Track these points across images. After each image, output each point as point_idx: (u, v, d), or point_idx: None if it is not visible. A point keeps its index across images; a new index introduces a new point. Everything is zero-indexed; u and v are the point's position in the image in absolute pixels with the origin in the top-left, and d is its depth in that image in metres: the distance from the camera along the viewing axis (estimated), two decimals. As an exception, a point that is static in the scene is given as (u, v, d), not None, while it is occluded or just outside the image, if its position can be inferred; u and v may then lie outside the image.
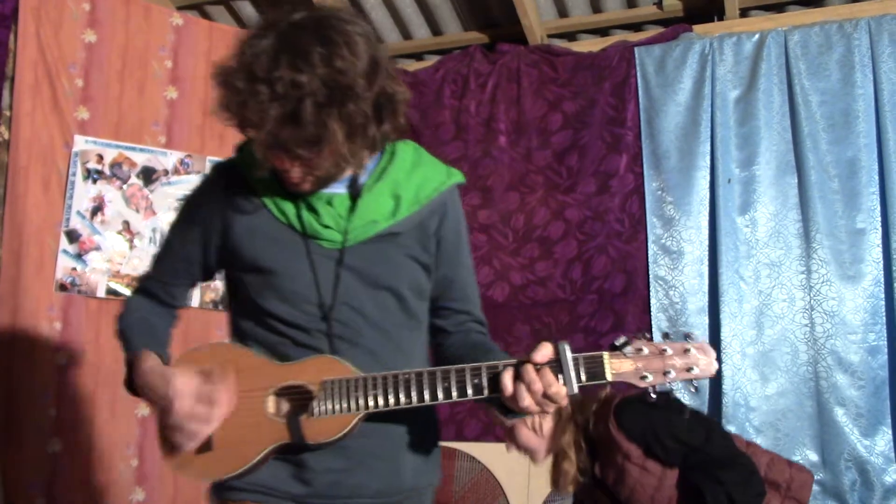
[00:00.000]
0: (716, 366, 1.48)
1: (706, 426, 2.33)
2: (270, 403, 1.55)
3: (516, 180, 4.06)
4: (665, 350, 1.46)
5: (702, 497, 2.18)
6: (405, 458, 1.66)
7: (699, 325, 3.61)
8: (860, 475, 3.34)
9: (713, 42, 3.80)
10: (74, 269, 3.51)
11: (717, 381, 3.49)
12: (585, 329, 3.77)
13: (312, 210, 1.59)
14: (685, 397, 3.33)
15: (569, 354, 1.41)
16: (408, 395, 1.49)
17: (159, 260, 1.80)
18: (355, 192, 1.59)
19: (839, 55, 3.61)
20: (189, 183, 3.80)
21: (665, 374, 1.45)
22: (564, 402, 1.43)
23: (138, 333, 1.70)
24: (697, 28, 3.92)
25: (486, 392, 1.46)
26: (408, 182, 1.64)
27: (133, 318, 1.75)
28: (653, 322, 3.66)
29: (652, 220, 3.74)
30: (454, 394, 1.47)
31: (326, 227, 1.58)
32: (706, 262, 3.68)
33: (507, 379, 1.43)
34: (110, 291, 3.56)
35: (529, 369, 1.41)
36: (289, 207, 1.60)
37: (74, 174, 3.51)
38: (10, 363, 3.32)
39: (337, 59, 1.39)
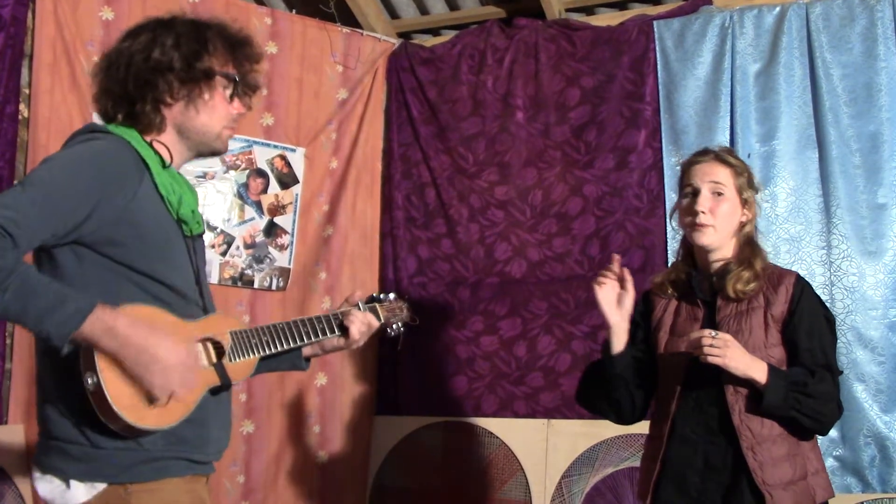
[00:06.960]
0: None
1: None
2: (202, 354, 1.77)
3: (534, 156, 4.04)
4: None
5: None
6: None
7: (718, 301, 3.59)
8: (880, 451, 3.32)
9: (733, 15, 3.75)
10: (94, 246, 3.52)
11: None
12: (603, 305, 3.76)
13: (185, 194, 1.84)
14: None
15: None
16: (289, 341, 1.94)
17: (42, 213, 1.60)
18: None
19: (861, 28, 3.55)
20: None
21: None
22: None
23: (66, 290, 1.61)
24: (717, 1, 3.87)
25: (328, 333, 2.04)
26: None
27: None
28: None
29: (671, 196, 3.70)
30: (313, 337, 2.00)
31: (193, 212, 1.86)
32: (725, 238, 3.65)
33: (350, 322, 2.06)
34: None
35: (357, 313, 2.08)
36: (168, 184, 1.80)
37: (93, 152, 3.52)
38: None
39: None
